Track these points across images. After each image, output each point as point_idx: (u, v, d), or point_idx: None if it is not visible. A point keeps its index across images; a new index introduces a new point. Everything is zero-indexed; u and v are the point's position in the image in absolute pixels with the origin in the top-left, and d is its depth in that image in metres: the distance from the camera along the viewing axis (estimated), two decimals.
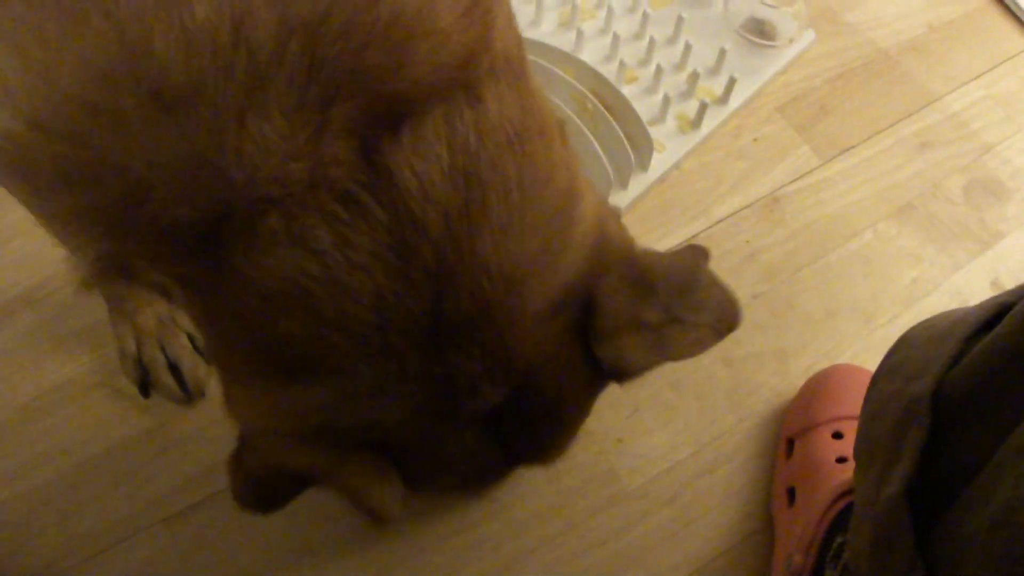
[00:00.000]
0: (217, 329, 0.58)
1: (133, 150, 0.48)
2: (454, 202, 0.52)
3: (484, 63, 0.54)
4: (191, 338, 0.97)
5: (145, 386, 0.95)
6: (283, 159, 0.49)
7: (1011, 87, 1.33)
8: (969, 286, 1.13)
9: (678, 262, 0.63)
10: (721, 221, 1.12)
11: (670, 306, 0.61)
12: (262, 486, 0.65)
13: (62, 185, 0.51)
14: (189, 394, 0.96)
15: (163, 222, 0.50)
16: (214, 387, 0.96)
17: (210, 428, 0.95)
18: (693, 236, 1.10)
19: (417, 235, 0.52)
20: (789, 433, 0.95)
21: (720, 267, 1.06)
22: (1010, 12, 1.42)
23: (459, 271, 0.54)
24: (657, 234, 1.09)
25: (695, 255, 0.63)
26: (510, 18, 0.59)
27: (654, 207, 1.11)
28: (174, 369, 0.95)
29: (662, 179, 1.12)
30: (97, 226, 0.53)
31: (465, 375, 0.57)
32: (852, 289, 1.10)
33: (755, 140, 1.19)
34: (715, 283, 0.63)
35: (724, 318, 0.62)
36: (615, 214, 0.67)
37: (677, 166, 1.14)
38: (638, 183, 1.09)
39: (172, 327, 0.96)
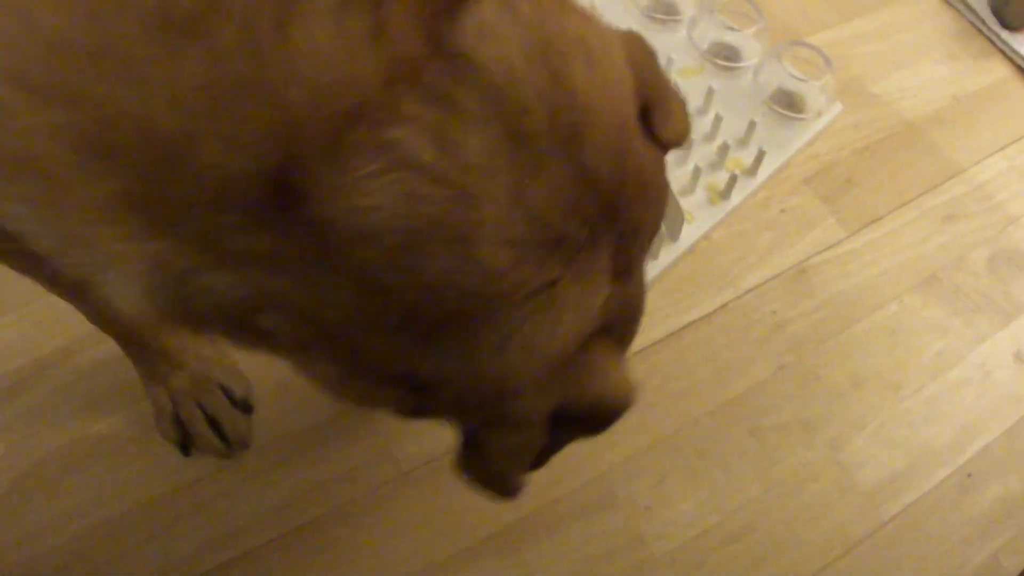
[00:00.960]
0: (339, 320, 0.46)
1: (155, 96, 0.38)
2: (542, 78, 0.44)
3: None
4: (226, 391, 0.99)
5: (185, 445, 0.97)
6: (345, 64, 0.39)
7: None
8: (993, 358, 1.14)
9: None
10: (749, 292, 1.14)
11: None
12: (520, 456, 0.58)
13: (74, 172, 0.39)
14: (231, 446, 0.97)
15: (216, 185, 0.40)
16: (256, 437, 0.98)
17: (244, 486, 0.96)
18: (722, 306, 1.12)
19: (523, 118, 0.44)
20: None
21: (747, 337, 1.09)
22: None
23: (584, 135, 0.46)
24: (686, 304, 1.11)
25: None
26: None
27: (683, 277, 1.13)
28: (212, 423, 0.97)
29: (691, 249, 1.15)
30: (134, 223, 0.41)
31: (635, 227, 0.52)
32: (878, 360, 1.12)
33: (783, 211, 1.21)
34: None
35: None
36: None
37: (706, 236, 1.16)
38: (668, 253, 1.11)
39: (207, 383, 0.98)
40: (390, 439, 0.99)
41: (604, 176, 0.48)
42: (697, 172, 1.16)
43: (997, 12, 1.50)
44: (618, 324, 0.56)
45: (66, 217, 0.41)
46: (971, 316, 1.17)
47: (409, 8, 0.41)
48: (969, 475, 1.04)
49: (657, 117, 0.55)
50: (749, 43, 1.30)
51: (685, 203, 1.13)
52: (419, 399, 0.53)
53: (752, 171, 1.20)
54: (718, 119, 1.21)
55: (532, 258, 0.45)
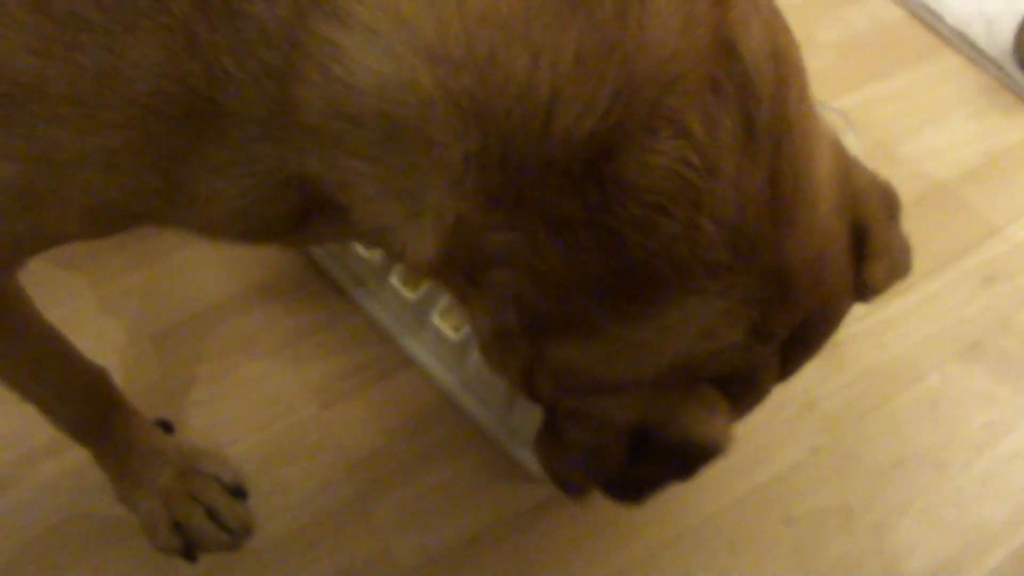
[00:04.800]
0: (563, 275, 0.52)
1: (541, 61, 0.45)
2: (772, 77, 0.50)
3: None
4: (216, 479, 0.94)
5: (189, 548, 0.91)
6: (677, 40, 0.46)
7: None
8: None
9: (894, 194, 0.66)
10: None
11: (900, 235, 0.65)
12: (591, 459, 0.62)
13: (446, 134, 0.47)
14: (235, 535, 0.92)
15: (559, 147, 0.47)
16: (260, 524, 0.94)
17: None
18: None
19: (757, 110, 0.49)
20: None
21: (776, 418, 1.03)
22: None
23: (786, 145, 0.51)
24: None
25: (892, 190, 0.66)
26: None
27: None
28: (211, 515, 0.92)
29: None
30: (469, 183, 0.49)
31: (793, 288, 0.54)
32: (920, 436, 1.04)
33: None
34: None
35: (909, 254, 0.67)
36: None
37: None
38: None
39: (197, 476, 0.93)
40: (388, 538, 0.93)
41: (793, 233, 0.53)
42: None
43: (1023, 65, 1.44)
44: (736, 383, 0.58)
45: (413, 175, 0.49)
46: (1020, 382, 1.10)
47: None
48: None
49: (868, 251, 0.61)
50: None
51: None
52: (540, 371, 0.59)
53: None
54: None
55: (721, 250, 0.50)
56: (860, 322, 1.12)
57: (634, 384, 0.56)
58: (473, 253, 0.53)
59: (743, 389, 0.60)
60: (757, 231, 0.51)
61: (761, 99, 0.49)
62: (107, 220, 0.57)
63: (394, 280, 1.02)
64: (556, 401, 0.62)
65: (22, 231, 0.55)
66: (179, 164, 0.51)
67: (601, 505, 0.95)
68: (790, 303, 0.55)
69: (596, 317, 0.54)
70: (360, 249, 1.04)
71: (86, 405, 0.85)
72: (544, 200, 0.49)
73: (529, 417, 0.94)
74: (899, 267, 0.65)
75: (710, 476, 0.96)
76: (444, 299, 1.00)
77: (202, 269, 1.14)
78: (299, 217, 0.57)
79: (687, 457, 0.60)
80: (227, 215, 0.55)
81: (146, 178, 0.52)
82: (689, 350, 0.54)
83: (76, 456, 0.90)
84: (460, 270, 0.55)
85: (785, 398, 1.05)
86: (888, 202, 0.64)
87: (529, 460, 0.95)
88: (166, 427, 0.97)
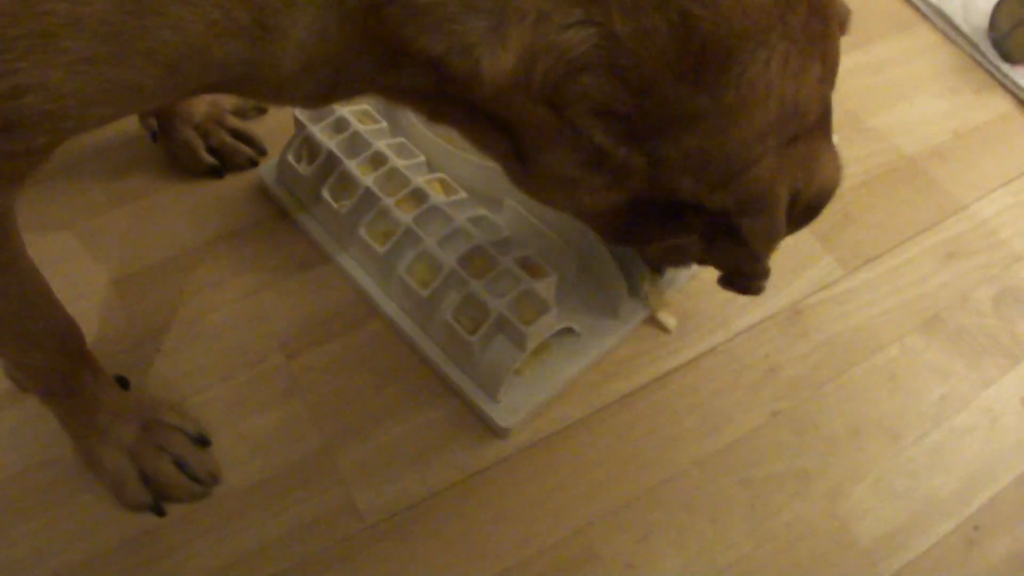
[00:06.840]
0: (647, 65, 0.55)
1: None
2: None
3: None
4: (179, 431, 0.93)
5: (158, 502, 0.90)
6: None
7: None
8: (1000, 403, 1.08)
9: None
10: (740, 334, 1.08)
11: None
12: (773, 239, 0.68)
13: None
14: (205, 484, 0.92)
15: None
16: (224, 474, 0.94)
17: (196, 540, 0.89)
18: (711, 349, 1.06)
19: None
20: None
21: (738, 382, 1.04)
22: None
23: None
24: (673, 347, 1.06)
25: None
26: None
27: None
28: (179, 465, 0.91)
29: (680, 290, 1.09)
30: None
31: (823, 15, 0.60)
32: (878, 406, 1.05)
33: (776, 250, 1.16)
34: None
35: None
36: None
37: (695, 276, 1.11)
38: (656, 294, 1.05)
39: (160, 427, 0.92)
40: (352, 490, 0.93)
41: None
42: None
43: (997, 45, 1.45)
44: (826, 116, 0.65)
45: None
46: (976, 358, 1.11)
47: None
48: (976, 528, 0.98)
49: None
50: None
51: None
52: (672, 173, 0.61)
53: None
54: None
55: (770, 7, 0.56)
56: (824, 291, 1.14)
57: (760, 143, 0.60)
58: (553, 60, 0.55)
59: (828, 123, 0.66)
60: None
61: None
62: (186, 71, 0.55)
63: (363, 232, 1.02)
64: (705, 198, 0.63)
65: (98, 87, 0.53)
66: None
67: (563, 464, 0.97)
68: (827, 31, 0.60)
69: (690, 99, 0.57)
70: (330, 199, 1.03)
71: (60, 355, 0.83)
72: None
73: (496, 374, 0.94)
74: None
75: (670, 439, 0.99)
76: (413, 253, 0.99)
77: (168, 215, 1.12)
78: (350, 56, 0.59)
79: (822, 204, 0.68)
80: (291, 51, 0.56)
81: (235, 13, 0.52)
82: (784, 92, 0.58)
83: (39, 403, 0.89)
84: (536, 90, 0.57)
85: (747, 364, 1.06)
86: None
87: (495, 414, 0.95)
88: (123, 383, 0.97)
